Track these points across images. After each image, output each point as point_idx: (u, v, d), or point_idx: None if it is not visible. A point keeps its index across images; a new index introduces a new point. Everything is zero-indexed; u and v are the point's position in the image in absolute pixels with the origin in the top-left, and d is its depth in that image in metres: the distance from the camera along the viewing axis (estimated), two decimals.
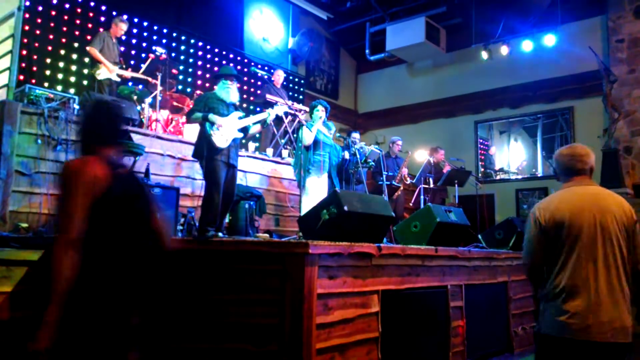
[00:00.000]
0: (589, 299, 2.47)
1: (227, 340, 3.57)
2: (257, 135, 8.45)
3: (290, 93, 11.06)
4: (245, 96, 9.78)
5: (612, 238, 2.53)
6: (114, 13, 7.90)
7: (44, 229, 5.06)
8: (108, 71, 6.73)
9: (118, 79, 6.94)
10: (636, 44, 9.43)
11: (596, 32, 10.04)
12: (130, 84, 7.30)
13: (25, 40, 6.96)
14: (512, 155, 12.70)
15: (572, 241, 2.55)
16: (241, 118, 5.19)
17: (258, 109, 8.34)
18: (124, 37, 8.04)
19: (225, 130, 4.87)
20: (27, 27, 7.00)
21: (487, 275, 5.85)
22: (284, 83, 10.85)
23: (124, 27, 7.13)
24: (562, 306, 2.51)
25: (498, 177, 11.69)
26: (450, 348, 5.06)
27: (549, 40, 9.86)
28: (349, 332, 3.87)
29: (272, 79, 8.68)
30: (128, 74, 7.06)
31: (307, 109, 6.68)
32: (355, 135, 7.92)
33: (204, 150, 4.82)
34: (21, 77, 6.75)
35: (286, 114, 7.78)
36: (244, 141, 6.36)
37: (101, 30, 7.20)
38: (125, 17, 7.48)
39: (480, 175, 11.24)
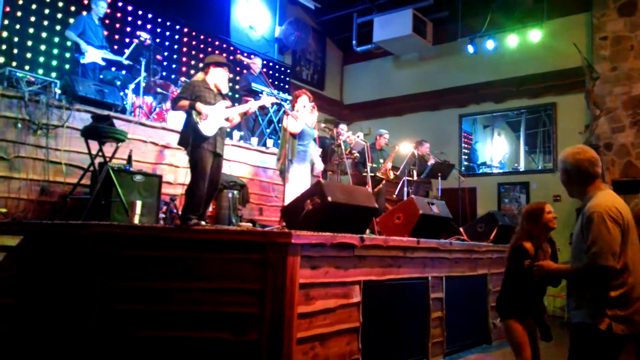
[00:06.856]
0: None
1: (206, 329, 3.57)
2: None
3: (276, 82, 11.02)
4: (230, 84, 9.72)
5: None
6: None
7: (23, 215, 5.00)
8: (92, 54, 6.63)
9: (103, 63, 6.84)
10: (619, 41, 9.54)
11: (580, 28, 10.12)
12: (113, 69, 7.20)
13: (6, 22, 6.83)
14: (495, 150, 12.81)
15: (626, 242, 2.60)
16: (227, 107, 5.15)
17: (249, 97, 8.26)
18: (107, 22, 7.92)
19: (212, 119, 4.83)
20: (7, 9, 6.85)
21: (467, 267, 5.91)
22: (270, 72, 10.81)
23: (104, 5, 6.99)
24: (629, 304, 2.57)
25: (480, 171, 11.80)
26: (429, 339, 5.12)
27: (534, 35, 9.93)
28: (330, 322, 3.89)
29: (250, 66, 8.63)
30: (114, 57, 6.95)
31: (291, 98, 6.64)
32: (343, 127, 7.92)
33: (190, 138, 4.77)
34: (1, 60, 6.62)
35: (272, 103, 7.74)
36: (228, 130, 6.33)
37: (84, 13, 7.07)
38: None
39: (463, 168, 11.34)
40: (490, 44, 10.45)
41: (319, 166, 6.63)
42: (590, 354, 2.62)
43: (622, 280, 2.57)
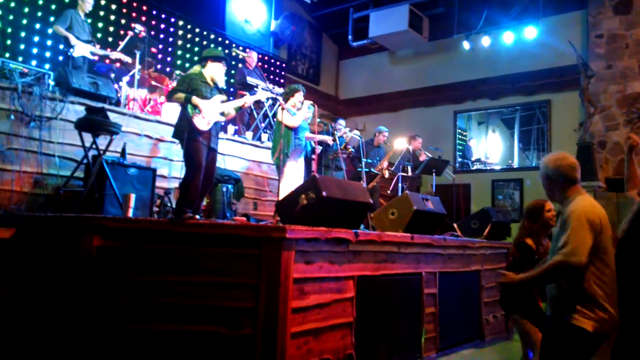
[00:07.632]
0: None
1: (200, 323, 3.56)
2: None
3: (272, 76, 10.98)
4: (225, 78, 9.68)
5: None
6: None
7: (16, 207, 4.96)
8: (81, 48, 6.55)
9: (93, 57, 6.76)
10: (614, 40, 9.57)
11: (576, 26, 10.15)
12: (107, 61, 7.14)
13: (0, 13, 6.76)
14: (489, 146, 12.85)
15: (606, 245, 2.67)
16: (223, 102, 5.13)
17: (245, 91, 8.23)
18: (102, 13, 7.85)
19: (207, 113, 4.81)
20: None
21: (461, 263, 5.93)
22: (265, 66, 10.77)
23: (90, 0, 6.89)
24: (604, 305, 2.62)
25: (475, 168, 11.82)
26: (423, 334, 5.14)
27: (530, 32, 9.94)
28: (324, 317, 3.90)
29: (245, 60, 8.61)
30: (102, 52, 6.85)
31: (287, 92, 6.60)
32: (342, 123, 7.90)
33: (185, 131, 4.75)
34: None
35: (267, 97, 7.72)
36: (222, 124, 6.31)
37: (82, 6, 6.98)
38: None
39: (458, 165, 11.36)
40: (486, 41, 10.46)
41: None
42: (561, 351, 2.65)
43: (590, 277, 2.62)
